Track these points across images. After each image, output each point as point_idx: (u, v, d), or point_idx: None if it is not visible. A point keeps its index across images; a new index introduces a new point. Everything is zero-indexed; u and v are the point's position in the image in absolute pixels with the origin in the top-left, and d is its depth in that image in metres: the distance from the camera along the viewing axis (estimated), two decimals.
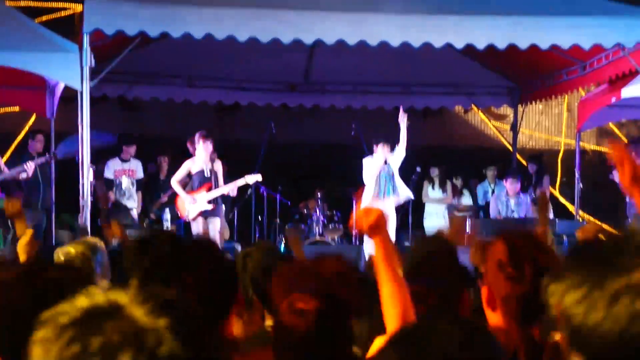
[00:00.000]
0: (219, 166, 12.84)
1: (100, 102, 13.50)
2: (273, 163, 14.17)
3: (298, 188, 15.47)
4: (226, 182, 12.92)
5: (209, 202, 12.63)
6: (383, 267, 3.13)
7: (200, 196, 12.61)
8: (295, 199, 14.95)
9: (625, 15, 10.40)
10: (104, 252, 5.20)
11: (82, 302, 1.49)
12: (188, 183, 13.06)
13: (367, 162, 13.21)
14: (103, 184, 13.58)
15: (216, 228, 12.57)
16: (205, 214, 12.58)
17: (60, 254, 5.10)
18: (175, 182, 12.86)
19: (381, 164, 13.00)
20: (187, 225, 13.11)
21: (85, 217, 10.00)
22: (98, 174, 13.11)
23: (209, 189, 12.64)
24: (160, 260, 3.08)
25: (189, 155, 13.19)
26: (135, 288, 1.52)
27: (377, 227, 3.18)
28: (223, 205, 13.21)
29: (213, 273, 3.10)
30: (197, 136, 12.74)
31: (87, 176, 10.02)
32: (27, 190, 12.33)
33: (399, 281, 3.13)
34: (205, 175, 12.66)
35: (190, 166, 12.81)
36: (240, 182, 12.99)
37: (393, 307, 3.07)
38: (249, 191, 14.09)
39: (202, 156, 12.74)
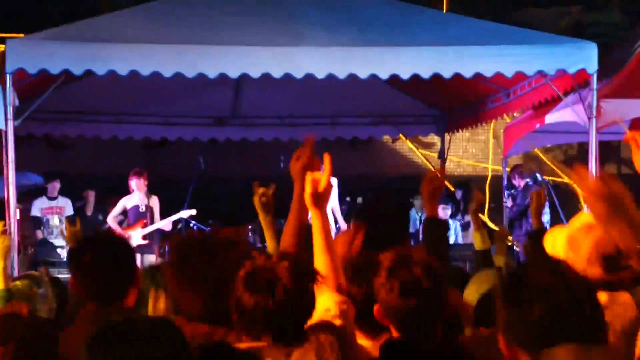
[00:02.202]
0: (155, 202, 13.07)
1: (26, 141, 13.34)
2: (203, 197, 14.11)
3: (229, 221, 15.41)
4: (162, 217, 13.06)
5: (144, 237, 12.75)
6: (320, 237, 3.36)
7: (135, 232, 12.72)
8: None
9: (546, 43, 10.56)
10: (47, 285, 5.49)
11: None
12: (124, 220, 13.20)
13: None
14: (29, 223, 13.38)
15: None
16: (140, 250, 12.63)
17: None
18: (111, 218, 13.17)
19: None
20: None
21: (12, 257, 9.84)
22: (24, 214, 12.94)
23: (145, 225, 12.80)
24: None
25: (116, 192, 13.24)
26: None
27: (322, 198, 3.34)
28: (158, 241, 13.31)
29: None
30: (130, 174, 12.93)
31: (13, 216, 9.88)
32: None
33: (334, 252, 3.37)
34: (140, 210, 12.90)
35: (125, 203, 13.07)
36: (175, 217, 13.20)
37: (327, 273, 3.25)
38: (179, 225, 14.04)
39: (136, 192, 12.92)
